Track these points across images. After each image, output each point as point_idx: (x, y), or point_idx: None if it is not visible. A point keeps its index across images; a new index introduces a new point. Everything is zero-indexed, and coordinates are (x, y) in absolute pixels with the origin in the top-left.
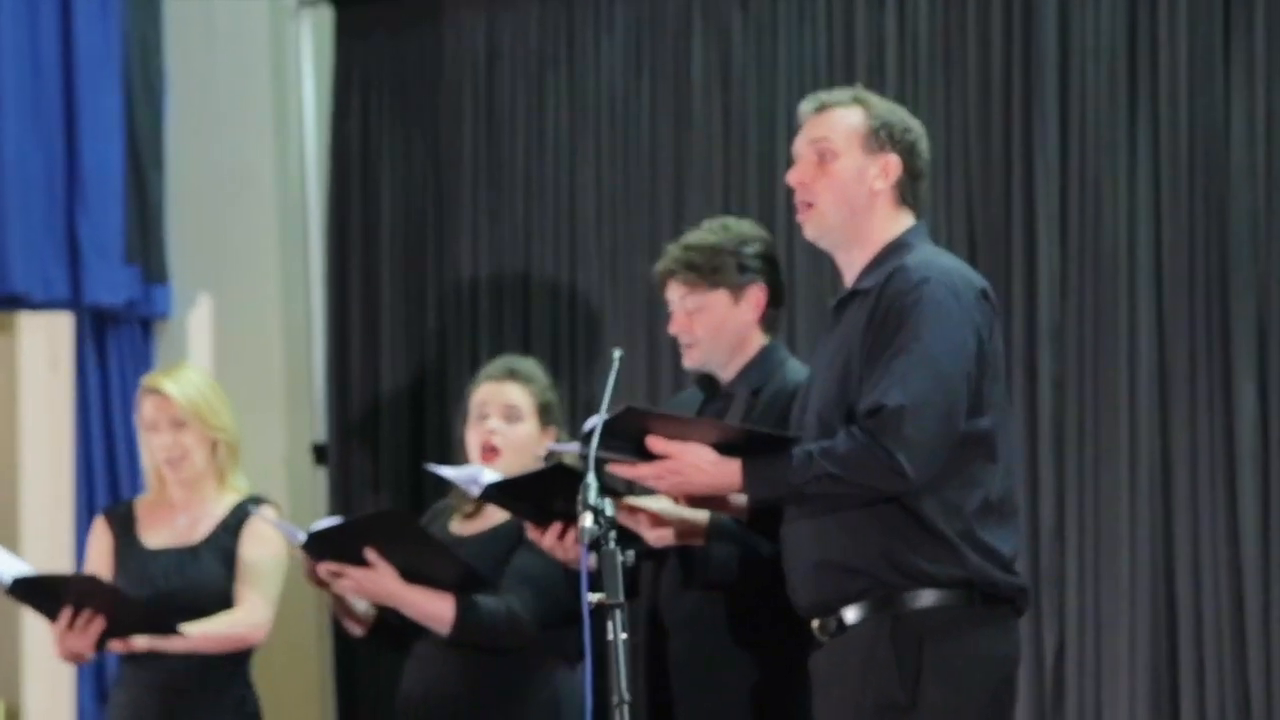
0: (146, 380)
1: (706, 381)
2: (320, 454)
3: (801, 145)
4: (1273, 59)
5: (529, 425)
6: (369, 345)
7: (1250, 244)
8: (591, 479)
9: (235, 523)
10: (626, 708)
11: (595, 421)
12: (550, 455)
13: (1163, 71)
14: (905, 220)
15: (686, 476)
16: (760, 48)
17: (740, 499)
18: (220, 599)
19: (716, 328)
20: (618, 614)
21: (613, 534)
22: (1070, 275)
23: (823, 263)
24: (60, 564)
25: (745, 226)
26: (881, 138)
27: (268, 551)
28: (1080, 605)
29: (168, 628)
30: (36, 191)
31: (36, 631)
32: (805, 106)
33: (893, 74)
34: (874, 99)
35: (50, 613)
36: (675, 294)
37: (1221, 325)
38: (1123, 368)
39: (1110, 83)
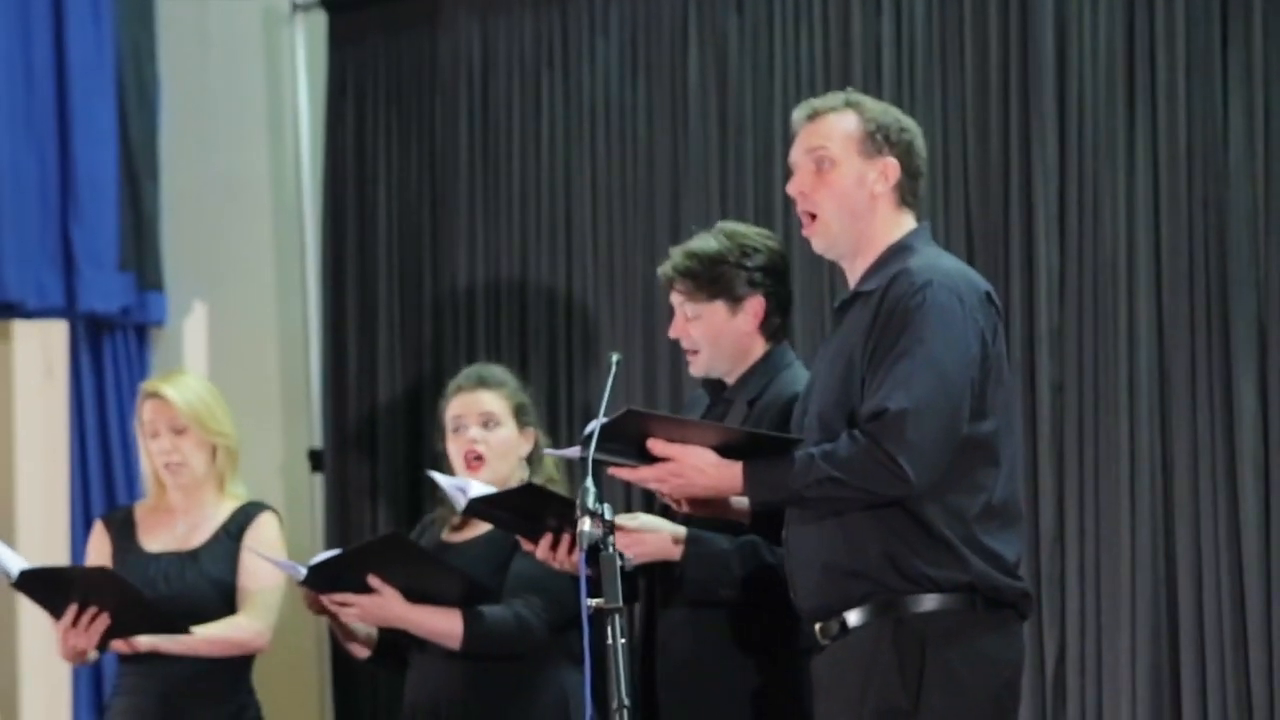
0: (146, 385)
1: (713, 385)
2: (317, 460)
3: (798, 155)
4: (1270, 60)
5: (507, 429)
6: (365, 351)
7: (1249, 245)
8: (590, 484)
9: (235, 528)
10: (626, 712)
11: (595, 425)
12: (541, 458)
13: (1160, 73)
14: (907, 222)
15: (688, 479)
16: (756, 50)
17: (742, 502)
18: (219, 605)
19: (714, 337)
20: (616, 619)
21: (611, 539)
22: (1069, 277)
23: (820, 267)
24: None
25: (751, 234)
26: (878, 140)
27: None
28: (1081, 609)
29: (173, 627)
30: (30, 199)
31: (33, 643)
32: (798, 114)
33: (889, 76)
34: (867, 101)
35: (55, 609)
36: (675, 299)
37: (1221, 326)
38: (1122, 370)
39: (1108, 84)
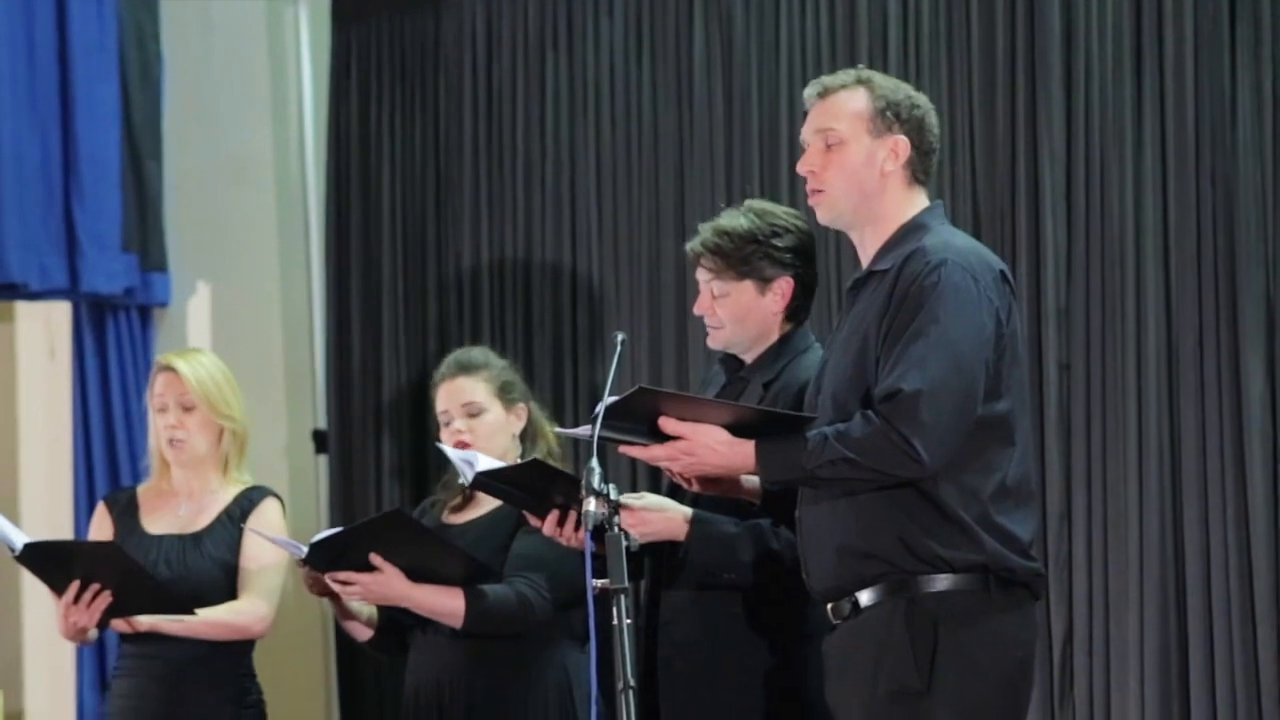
0: (161, 358)
1: (730, 362)
2: (321, 440)
3: (808, 134)
4: (1279, 37)
5: (492, 412)
6: (369, 331)
7: (1257, 223)
8: (595, 464)
9: (238, 512)
10: (632, 693)
11: (606, 403)
12: (537, 433)
13: (1168, 50)
14: (920, 200)
15: (699, 457)
16: (762, 29)
17: (753, 482)
18: (220, 588)
19: (740, 316)
20: (622, 599)
21: (617, 519)
22: (1076, 256)
23: (828, 247)
24: None
25: (781, 214)
26: (888, 118)
27: (270, 545)
28: (1089, 588)
29: (175, 607)
30: (33, 181)
31: (37, 622)
32: (809, 92)
33: (895, 54)
34: (878, 78)
35: (57, 584)
36: (702, 276)
37: (1229, 305)
38: (1130, 349)
39: (1115, 61)
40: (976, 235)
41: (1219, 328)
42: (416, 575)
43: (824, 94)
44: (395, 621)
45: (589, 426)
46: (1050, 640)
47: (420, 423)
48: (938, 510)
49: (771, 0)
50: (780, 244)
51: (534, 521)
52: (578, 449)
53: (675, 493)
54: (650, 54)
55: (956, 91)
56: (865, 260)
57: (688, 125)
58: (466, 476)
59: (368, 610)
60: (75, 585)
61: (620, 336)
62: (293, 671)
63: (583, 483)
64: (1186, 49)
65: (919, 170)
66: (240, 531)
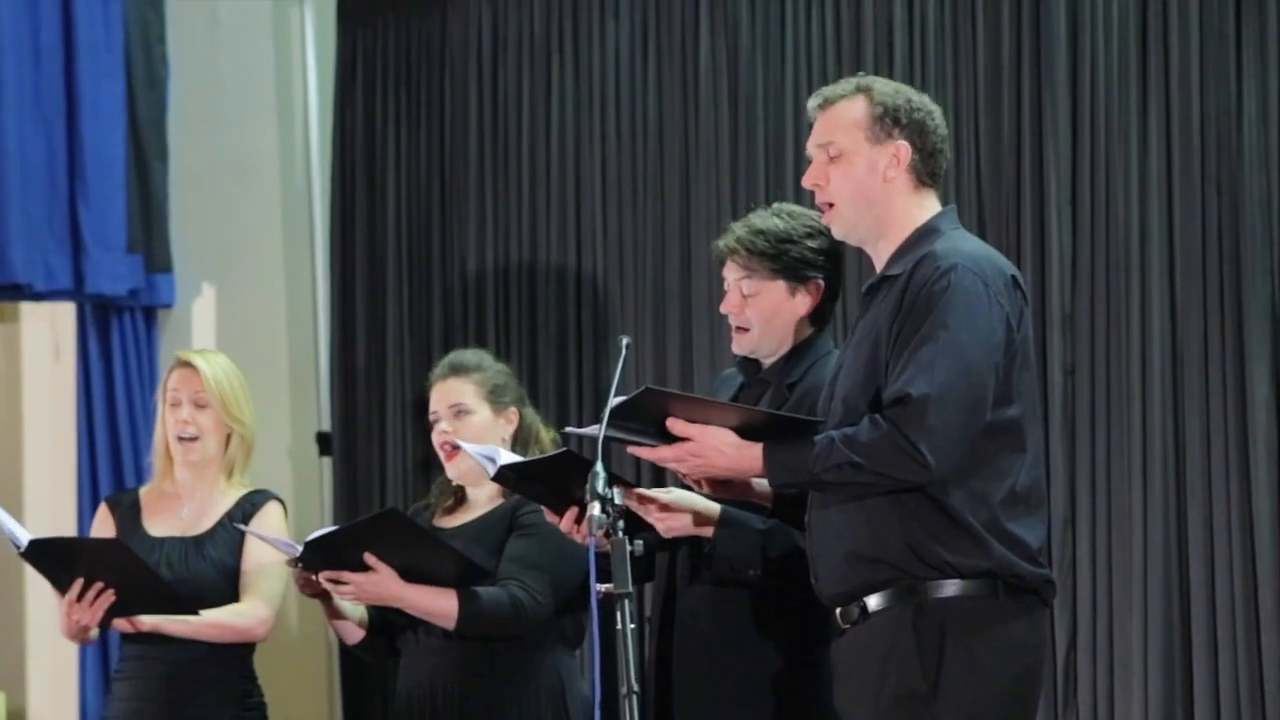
0: (180, 354)
1: (748, 365)
2: (325, 443)
3: (812, 147)
4: None
5: (480, 414)
6: (374, 333)
7: (1263, 228)
8: (600, 467)
9: (240, 516)
10: (635, 698)
11: (616, 403)
12: (531, 437)
13: (1174, 54)
14: (931, 203)
15: (707, 459)
16: (767, 33)
17: (764, 484)
18: (221, 592)
19: (770, 316)
20: (626, 604)
21: (621, 523)
22: (1081, 260)
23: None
24: None
25: (814, 218)
26: (887, 124)
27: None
28: (1093, 593)
29: (177, 608)
30: (38, 181)
31: (41, 623)
32: (811, 104)
33: (901, 58)
34: (878, 84)
35: (60, 582)
36: (733, 274)
37: (1234, 309)
38: (1134, 353)
39: (1121, 66)
40: (981, 239)
41: (1224, 333)
42: (410, 575)
43: (824, 105)
44: (388, 624)
45: (598, 426)
46: (1054, 645)
47: (424, 425)
48: (946, 516)
49: (777, 5)
50: (814, 245)
51: (551, 518)
52: (582, 448)
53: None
54: (656, 58)
55: (962, 96)
56: (879, 266)
57: (693, 130)
58: (489, 472)
59: (358, 612)
60: (79, 583)
61: (625, 341)
62: (296, 674)
63: (587, 487)
64: (1192, 54)
65: (924, 173)
66: (241, 535)
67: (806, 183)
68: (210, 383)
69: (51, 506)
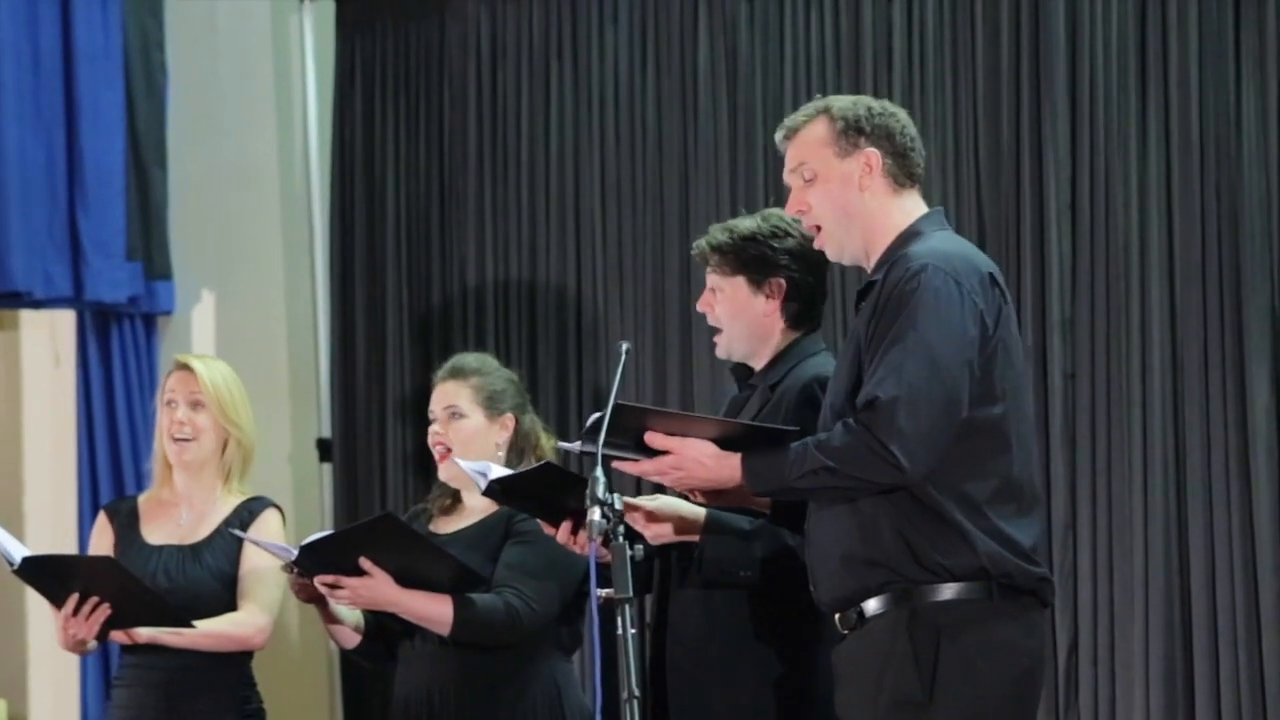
0: (178, 357)
1: (740, 371)
2: (325, 449)
3: (787, 176)
4: None
5: (474, 419)
6: (374, 339)
7: (1262, 234)
8: (599, 473)
9: (238, 524)
10: (636, 703)
11: (598, 417)
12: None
13: (1173, 60)
14: (913, 206)
15: (688, 471)
16: (767, 38)
17: None
18: (219, 599)
19: (734, 313)
20: (627, 609)
21: (621, 528)
22: (1081, 266)
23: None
24: None
25: (789, 220)
26: (851, 136)
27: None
28: (1094, 598)
29: (174, 619)
30: (37, 189)
31: (41, 632)
32: (778, 137)
33: (900, 65)
34: (836, 101)
35: (56, 597)
36: (707, 274)
37: (1234, 314)
38: (1134, 358)
39: (1120, 71)
40: (981, 245)
41: (1224, 338)
42: (406, 580)
43: (789, 135)
44: (384, 629)
45: (580, 443)
46: (1055, 650)
47: (424, 431)
48: (935, 516)
49: (776, 10)
50: (777, 245)
51: (547, 530)
52: (581, 461)
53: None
54: (655, 63)
55: (961, 102)
56: (870, 271)
57: (692, 134)
58: (480, 486)
59: (354, 616)
60: (74, 598)
61: (625, 346)
62: (295, 680)
63: (587, 492)
64: (1191, 60)
65: (900, 175)
66: (240, 543)
67: (789, 211)
68: (207, 384)
69: (52, 513)
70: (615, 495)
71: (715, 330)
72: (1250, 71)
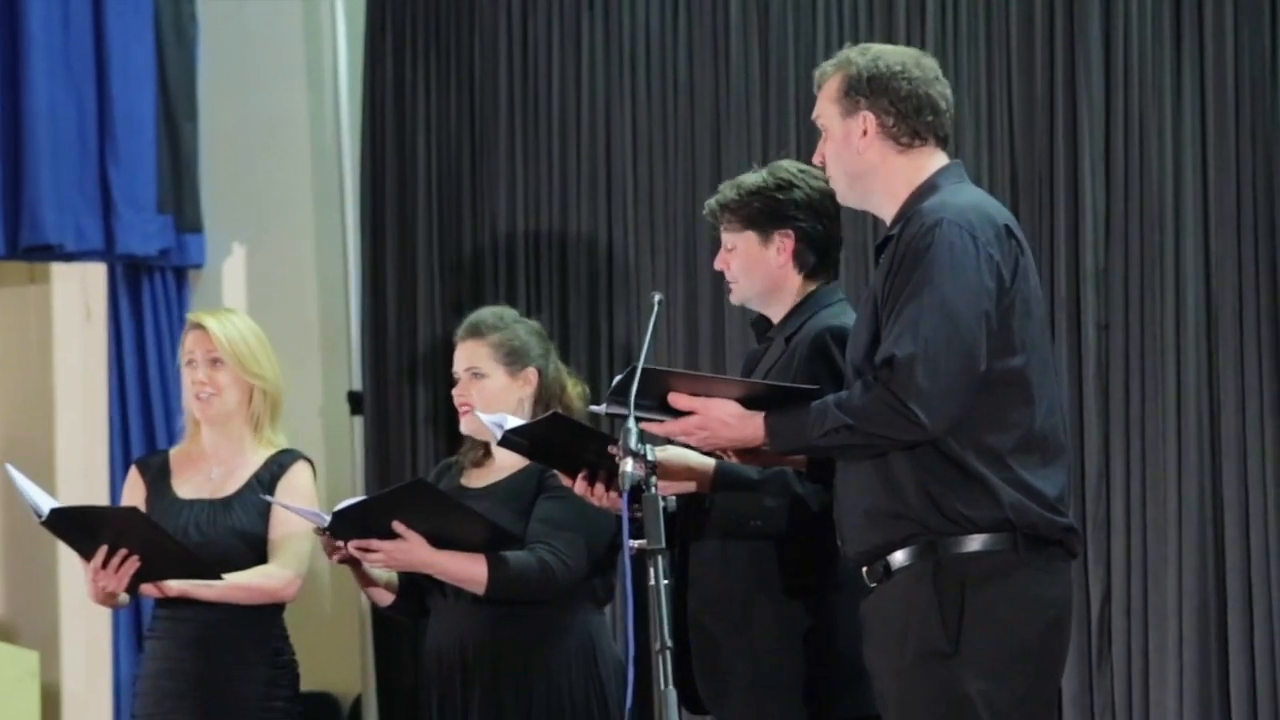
0: (192, 315)
1: (761, 324)
2: (356, 402)
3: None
4: None
5: (495, 379)
6: (405, 292)
7: None
8: (632, 424)
9: (267, 477)
10: (669, 654)
11: (623, 377)
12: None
13: (1208, 7)
14: (927, 161)
15: (713, 430)
16: None
17: None
18: (250, 553)
19: (747, 268)
20: (659, 560)
21: (654, 479)
22: (1115, 216)
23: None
24: None
25: (795, 171)
26: (853, 96)
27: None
28: (1127, 550)
29: (203, 572)
30: (68, 142)
31: (73, 587)
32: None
33: (933, 16)
34: (855, 55)
35: (85, 550)
36: (721, 233)
37: (1269, 264)
38: (1169, 309)
39: (1155, 19)
40: (1015, 196)
41: (1259, 287)
42: (439, 541)
43: (817, 85)
44: (416, 585)
45: (605, 404)
46: (1089, 601)
47: (453, 384)
48: (959, 469)
49: None
50: (783, 197)
51: (565, 481)
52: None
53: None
54: (687, 14)
55: (995, 53)
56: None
57: (724, 86)
58: (495, 437)
59: (387, 576)
60: (103, 550)
61: (658, 298)
62: (327, 633)
63: (620, 443)
64: (1226, 6)
65: (903, 133)
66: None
67: (815, 160)
68: (222, 341)
69: (83, 467)
70: (648, 446)
71: (728, 279)
72: None
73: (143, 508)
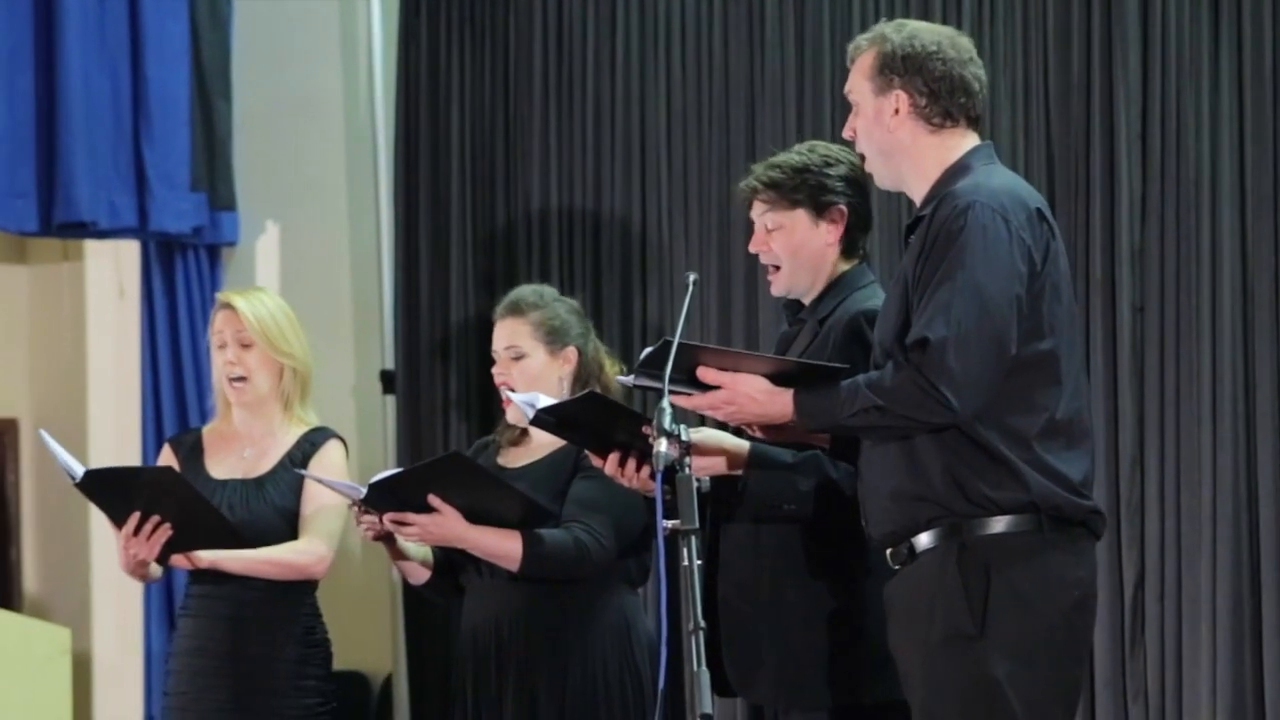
0: (221, 295)
1: (792, 307)
2: (388, 381)
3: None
4: None
5: (535, 358)
6: (438, 271)
7: None
8: (666, 404)
9: (300, 456)
10: (701, 634)
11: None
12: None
13: None
14: (959, 141)
15: (740, 405)
16: None
17: None
18: (283, 533)
19: (795, 248)
20: (693, 540)
21: (688, 460)
22: (1151, 196)
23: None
24: None
25: (834, 149)
26: (887, 74)
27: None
28: (1161, 532)
29: (234, 540)
30: (102, 119)
31: (105, 563)
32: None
33: None
34: (891, 31)
35: (117, 515)
36: (757, 213)
37: None
38: (1204, 290)
39: (1193, 0)
40: (1050, 176)
41: None
42: (474, 517)
43: (851, 59)
44: (452, 563)
45: (633, 376)
46: (1122, 585)
47: (487, 363)
48: (984, 451)
49: None
50: (832, 173)
51: (596, 461)
52: (645, 395)
53: (741, 436)
54: None
55: (1031, 32)
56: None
57: (759, 64)
58: (528, 416)
59: (422, 553)
60: (135, 516)
61: (692, 277)
62: (360, 611)
63: (654, 423)
64: None
65: (935, 114)
66: (301, 476)
67: (845, 134)
68: (251, 321)
69: (116, 445)
70: (682, 426)
71: (767, 264)
72: None
73: None
